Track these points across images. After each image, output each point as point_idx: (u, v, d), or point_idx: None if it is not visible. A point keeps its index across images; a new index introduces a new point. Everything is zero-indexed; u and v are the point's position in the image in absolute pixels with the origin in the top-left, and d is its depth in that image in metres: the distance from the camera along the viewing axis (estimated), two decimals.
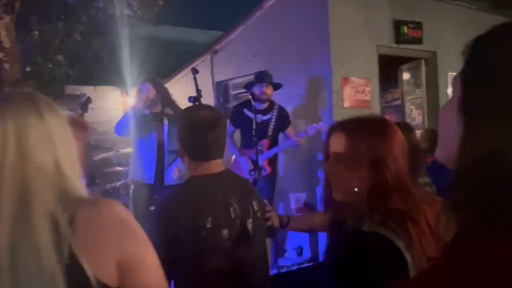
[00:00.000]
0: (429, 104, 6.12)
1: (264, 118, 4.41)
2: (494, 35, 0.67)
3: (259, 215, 1.80)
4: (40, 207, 0.98)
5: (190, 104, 3.34)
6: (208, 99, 6.55)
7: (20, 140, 1.01)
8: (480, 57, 0.66)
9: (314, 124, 4.36)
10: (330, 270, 1.32)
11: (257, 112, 4.20)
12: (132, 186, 4.31)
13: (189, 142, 1.77)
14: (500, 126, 0.60)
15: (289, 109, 5.26)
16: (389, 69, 6.47)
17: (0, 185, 0.98)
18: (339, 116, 4.70)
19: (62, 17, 2.10)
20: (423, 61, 6.02)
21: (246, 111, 4.38)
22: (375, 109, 5.29)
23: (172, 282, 1.63)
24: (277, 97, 5.52)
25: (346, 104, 4.94)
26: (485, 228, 0.60)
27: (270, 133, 4.43)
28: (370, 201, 1.26)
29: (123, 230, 1.04)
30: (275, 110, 4.48)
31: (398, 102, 6.96)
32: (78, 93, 8.55)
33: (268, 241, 2.20)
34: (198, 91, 3.33)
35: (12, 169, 0.99)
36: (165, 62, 8.08)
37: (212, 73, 6.56)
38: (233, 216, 1.71)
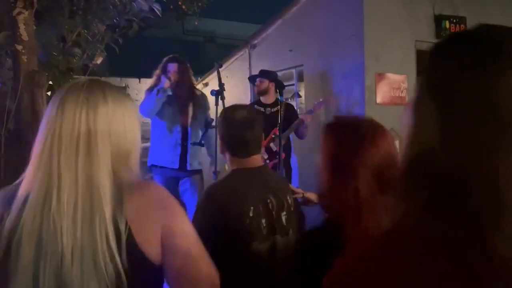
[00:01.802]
0: None
1: (273, 110, 4.58)
2: (444, 45, 0.74)
3: (292, 209, 1.98)
4: (104, 192, 1.05)
5: (213, 97, 3.42)
6: (246, 93, 6.61)
7: (88, 123, 1.08)
8: (431, 64, 0.74)
9: (320, 99, 4.53)
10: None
11: (265, 106, 4.63)
12: (155, 171, 4.12)
13: (229, 141, 1.95)
14: (436, 128, 0.67)
15: (321, 104, 5.22)
16: None
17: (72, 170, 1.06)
18: (371, 112, 4.61)
19: (80, 12, 2.20)
20: None
21: (256, 106, 4.69)
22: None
23: None
24: (311, 92, 5.50)
25: (379, 100, 4.83)
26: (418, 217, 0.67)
27: (280, 121, 4.47)
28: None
29: (164, 206, 1.13)
30: (283, 104, 4.56)
31: None
32: (123, 85, 8.89)
33: None
34: (221, 85, 3.37)
35: (83, 157, 1.07)
36: (205, 56, 8.21)
37: (249, 67, 6.60)
38: (270, 207, 1.90)
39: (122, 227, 1.03)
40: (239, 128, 1.92)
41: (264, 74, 4.70)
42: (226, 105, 3.40)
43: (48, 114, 1.11)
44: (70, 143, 1.06)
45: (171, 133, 4.06)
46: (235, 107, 2.04)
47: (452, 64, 0.69)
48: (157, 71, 4.08)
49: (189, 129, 4.11)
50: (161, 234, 1.08)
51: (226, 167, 5.49)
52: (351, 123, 1.33)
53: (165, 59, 4.12)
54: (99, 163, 1.07)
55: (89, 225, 1.03)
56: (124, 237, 1.03)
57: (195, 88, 4.23)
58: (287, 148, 4.61)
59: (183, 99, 4.09)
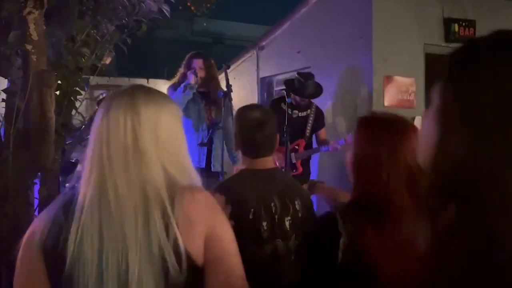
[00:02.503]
0: None
1: (301, 114, 4.31)
2: (471, 52, 0.74)
3: (300, 214, 1.89)
4: (159, 191, 1.09)
5: (220, 98, 3.43)
6: (253, 94, 6.61)
7: (134, 131, 1.11)
8: (456, 73, 0.73)
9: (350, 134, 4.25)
10: None
11: (293, 107, 4.21)
12: None
13: (240, 140, 1.96)
14: (468, 139, 0.66)
15: (329, 107, 5.21)
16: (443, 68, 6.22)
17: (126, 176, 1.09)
18: None
19: (89, 13, 2.21)
20: None
21: (283, 105, 4.22)
22: (420, 110, 5.11)
23: None
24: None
25: (387, 103, 4.81)
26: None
27: (308, 133, 4.31)
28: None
29: (211, 211, 1.16)
30: (313, 108, 4.38)
31: None
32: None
33: None
34: (229, 86, 3.37)
35: (134, 159, 1.10)
36: (213, 57, 8.20)
37: (257, 69, 6.60)
38: (273, 211, 1.85)
39: (172, 228, 1.07)
40: (249, 128, 1.93)
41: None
42: (234, 106, 3.40)
43: (95, 121, 1.14)
44: (119, 149, 1.10)
45: (197, 132, 3.91)
46: (249, 107, 2.04)
47: (486, 79, 0.67)
48: (181, 69, 4.02)
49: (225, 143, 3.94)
50: (205, 237, 1.11)
51: (235, 168, 5.42)
52: (386, 118, 1.39)
53: (189, 55, 4.05)
54: (151, 165, 1.10)
55: (147, 225, 1.06)
56: (172, 237, 1.06)
57: (220, 85, 4.01)
58: (307, 161, 4.45)
59: (209, 96, 3.98)
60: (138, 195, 1.08)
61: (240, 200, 1.80)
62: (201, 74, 3.92)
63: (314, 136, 4.46)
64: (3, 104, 2.40)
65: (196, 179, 1.20)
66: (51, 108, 2.19)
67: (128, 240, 1.05)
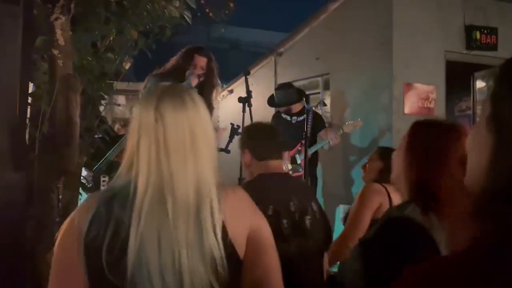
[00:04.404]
0: None
1: (299, 119, 4.52)
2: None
3: (317, 215, 1.98)
4: (211, 189, 1.13)
5: (240, 104, 3.42)
6: None
7: (192, 134, 1.13)
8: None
9: (351, 121, 4.41)
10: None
11: (292, 115, 4.60)
12: None
13: (255, 146, 2.07)
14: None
15: (348, 113, 5.18)
16: (464, 76, 6.16)
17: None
18: (399, 122, 4.55)
19: (113, 18, 2.25)
20: (498, 69, 5.63)
21: (283, 115, 4.67)
22: (441, 117, 5.06)
23: None
24: (337, 100, 5.47)
25: (407, 111, 4.77)
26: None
27: (308, 134, 4.41)
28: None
29: (252, 209, 1.24)
30: (310, 113, 4.49)
31: (471, 111, 6.60)
32: None
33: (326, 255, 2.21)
34: (249, 92, 3.37)
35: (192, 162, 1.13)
36: (230, 63, 8.25)
37: (275, 75, 6.60)
38: (292, 209, 1.92)
39: (219, 223, 1.10)
40: (265, 134, 2.10)
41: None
42: (253, 112, 3.40)
43: (144, 119, 1.14)
44: (177, 148, 1.11)
45: None
46: (256, 122, 2.24)
47: None
48: (179, 59, 3.37)
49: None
50: (248, 233, 1.16)
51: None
52: (439, 121, 1.46)
53: (190, 47, 3.44)
54: (206, 163, 1.14)
55: (199, 226, 1.09)
56: (219, 232, 1.10)
57: (215, 96, 3.55)
58: (313, 159, 4.55)
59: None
60: (192, 195, 1.10)
61: (259, 199, 1.83)
62: (199, 73, 3.32)
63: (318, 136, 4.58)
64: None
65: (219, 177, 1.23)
66: (76, 113, 2.21)
67: (180, 243, 1.07)
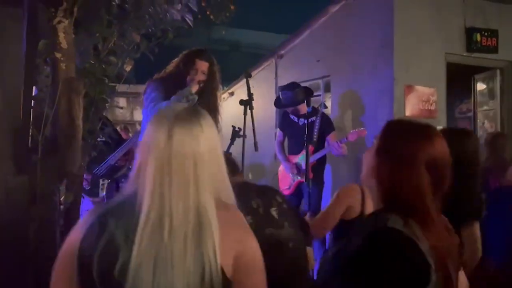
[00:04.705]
0: (502, 117, 5.74)
1: (306, 122, 4.29)
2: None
3: (284, 205, 1.99)
4: (211, 218, 1.15)
5: (241, 106, 3.40)
6: (272, 102, 6.61)
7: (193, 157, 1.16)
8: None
9: (355, 130, 4.30)
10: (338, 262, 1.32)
11: (300, 116, 4.46)
12: None
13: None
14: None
15: (349, 116, 5.19)
16: (464, 78, 6.18)
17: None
18: None
19: (115, 21, 2.27)
20: (498, 71, 5.66)
21: (291, 115, 4.57)
22: (442, 119, 5.07)
23: None
24: (338, 103, 5.47)
25: (408, 113, 4.78)
26: None
27: (315, 138, 4.37)
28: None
29: (242, 227, 1.24)
30: (318, 115, 4.46)
31: (472, 113, 6.62)
32: None
33: (310, 250, 2.23)
34: (250, 95, 3.34)
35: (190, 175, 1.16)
36: (230, 65, 8.25)
37: (276, 77, 6.61)
38: (255, 206, 1.91)
39: (217, 248, 1.13)
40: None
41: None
42: (254, 115, 3.40)
43: (155, 140, 1.17)
44: (180, 172, 1.14)
45: None
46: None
47: None
48: (179, 63, 3.20)
49: None
50: (235, 253, 1.17)
51: (250, 176, 5.54)
52: (411, 122, 1.44)
53: (192, 50, 3.26)
54: (205, 191, 1.16)
55: (199, 250, 1.11)
56: (218, 257, 1.12)
57: (218, 103, 3.40)
58: (320, 164, 4.48)
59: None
60: (192, 221, 1.13)
61: None
62: (201, 78, 3.16)
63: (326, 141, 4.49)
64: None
65: (232, 196, 1.26)
66: (79, 115, 2.22)
67: (175, 266, 1.10)
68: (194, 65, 3.15)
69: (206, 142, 1.18)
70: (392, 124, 1.42)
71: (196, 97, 3.12)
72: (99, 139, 2.80)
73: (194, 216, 1.13)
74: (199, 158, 1.16)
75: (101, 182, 4.14)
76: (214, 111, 3.22)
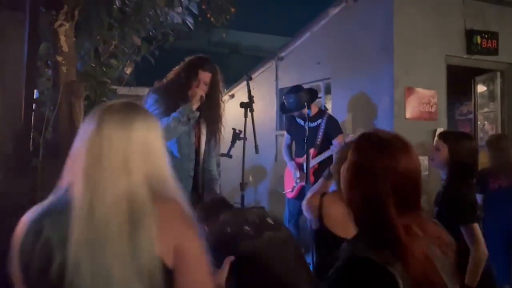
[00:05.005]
0: (503, 119, 5.74)
1: (312, 125, 4.33)
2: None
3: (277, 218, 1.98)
4: (144, 205, 1.17)
5: (241, 108, 3.38)
6: (272, 105, 6.63)
7: (122, 149, 1.19)
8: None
9: (352, 134, 4.26)
10: None
11: (305, 119, 4.29)
12: None
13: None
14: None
15: (349, 118, 5.19)
16: (465, 80, 6.18)
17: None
18: (400, 127, 4.56)
19: (116, 25, 2.27)
20: (498, 73, 5.67)
21: (297, 118, 4.52)
22: (442, 121, 5.07)
23: None
24: (338, 105, 5.47)
25: (408, 115, 4.78)
26: None
27: (318, 142, 4.35)
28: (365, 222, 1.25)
29: (182, 221, 1.22)
30: (324, 118, 4.42)
31: (472, 115, 6.62)
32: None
33: None
34: (250, 97, 3.33)
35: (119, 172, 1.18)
36: (230, 67, 8.26)
37: (276, 79, 6.62)
38: (251, 219, 1.90)
39: (152, 237, 1.13)
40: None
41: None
42: (255, 117, 3.40)
43: (86, 134, 1.20)
44: (110, 163, 1.16)
45: (183, 162, 3.08)
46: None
47: None
48: (181, 73, 3.01)
49: (201, 157, 3.22)
50: (175, 245, 1.17)
51: (251, 178, 5.51)
52: (378, 135, 1.34)
53: (195, 61, 3.05)
54: (137, 182, 1.17)
55: (134, 241, 1.12)
56: (152, 246, 1.13)
57: (221, 116, 3.26)
58: (323, 168, 4.41)
59: (205, 121, 3.16)
60: (124, 211, 1.14)
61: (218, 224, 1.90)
62: (203, 90, 3.01)
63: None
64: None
65: (178, 191, 1.26)
66: (79, 119, 2.23)
67: (111, 256, 1.11)
68: (197, 77, 2.99)
69: (138, 134, 1.20)
70: (363, 137, 1.35)
71: (198, 114, 3.00)
72: None
73: (126, 206, 1.14)
74: (129, 150, 1.18)
75: None
76: (216, 122, 3.17)
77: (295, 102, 4.42)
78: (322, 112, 4.51)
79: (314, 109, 4.43)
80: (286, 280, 1.81)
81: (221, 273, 1.53)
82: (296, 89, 4.53)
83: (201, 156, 3.19)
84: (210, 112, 3.11)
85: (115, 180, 1.15)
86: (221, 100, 3.23)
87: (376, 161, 1.25)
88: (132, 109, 1.24)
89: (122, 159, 1.17)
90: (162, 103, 2.90)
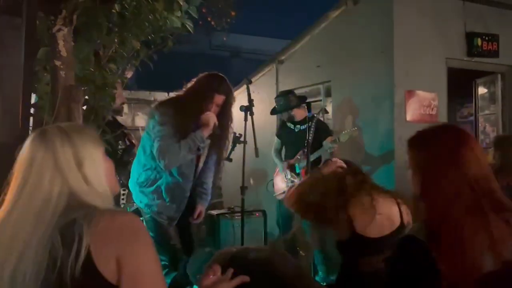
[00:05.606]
0: (504, 121, 5.72)
1: (302, 128, 4.58)
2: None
3: None
4: (55, 211, 1.21)
5: (242, 113, 3.38)
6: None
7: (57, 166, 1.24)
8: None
9: (344, 131, 4.40)
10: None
11: (296, 123, 4.69)
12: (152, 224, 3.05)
13: None
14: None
15: (349, 121, 5.18)
16: (466, 83, 6.17)
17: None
18: (400, 130, 4.55)
19: (116, 29, 2.27)
20: (499, 76, 5.65)
21: (287, 123, 4.78)
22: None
23: None
24: (338, 108, 5.46)
25: (409, 118, 4.76)
26: None
27: (309, 140, 4.41)
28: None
29: (127, 234, 1.21)
30: (314, 121, 4.49)
31: (473, 118, 6.61)
32: (152, 98, 9.01)
33: None
34: (250, 101, 3.35)
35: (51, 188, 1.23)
36: (231, 70, 8.25)
37: (277, 82, 6.61)
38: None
39: (83, 245, 1.14)
40: None
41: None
42: (255, 120, 3.39)
43: (24, 151, 1.29)
44: (37, 176, 1.23)
45: (182, 183, 3.11)
46: None
47: None
48: (197, 93, 2.97)
49: (200, 175, 3.28)
50: (118, 259, 1.17)
51: (251, 182, 5.56)
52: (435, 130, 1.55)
53: (212, 83, 3.01)
54: (66, 197, 1.23)
55: (44, 238, 1.17)
56: (83, 255, 1.13)
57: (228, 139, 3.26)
58: (314, 167, 4.50)
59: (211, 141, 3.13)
60: (37, 211, 1.19)
61: None
62: (215, 112, 3.03)
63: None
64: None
65: (112, 203, 1.30)
66: (78, 123, 2.21)
67: (20, 246, 1.16)
68: (213, 100, 3.00)
69: (68, 151, 1.25)
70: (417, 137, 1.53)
71: (208, 142, 3.06)
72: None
73: (38, 211, 1.19)
74: (59, 164, 1.23)
75: (121, 191, 4.11)
76: (223, 145, 3.21)
77: (284, 103, 4.69)
78: (311, 117, 4.57)
79: (303, 115, 4.59)
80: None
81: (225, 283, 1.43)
82: (286, 92, 4.87)
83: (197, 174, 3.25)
84: (223, 131, 3.13)
85: (35, 190, 1.22)
86: (231, 122, 3.20)
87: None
88: (70, 128, 1.30)
89: (49, 178, 1.23)
90: (172, 125, 2.87)
